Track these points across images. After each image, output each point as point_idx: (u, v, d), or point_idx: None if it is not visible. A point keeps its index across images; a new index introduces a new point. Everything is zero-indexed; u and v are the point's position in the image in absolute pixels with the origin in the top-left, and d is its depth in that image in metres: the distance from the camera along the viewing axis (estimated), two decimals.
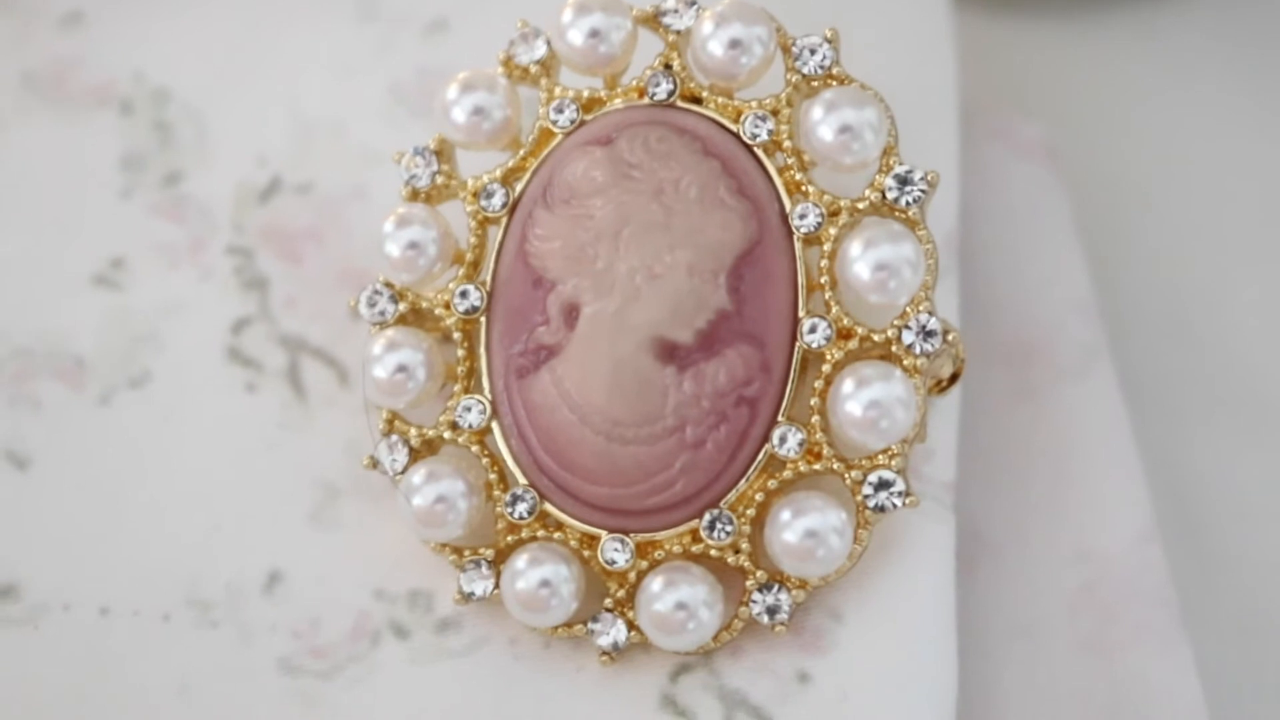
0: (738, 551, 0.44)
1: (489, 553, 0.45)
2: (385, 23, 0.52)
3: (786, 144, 0.45)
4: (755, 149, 0.45)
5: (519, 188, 0.46)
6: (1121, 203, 0.55)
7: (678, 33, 0.46)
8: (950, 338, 0.44)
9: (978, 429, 0.49)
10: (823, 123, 0.45)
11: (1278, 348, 0.53)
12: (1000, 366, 0.50)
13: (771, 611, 0.44)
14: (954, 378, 0.46)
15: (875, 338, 0.44)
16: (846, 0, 0.51)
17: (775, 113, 0.45)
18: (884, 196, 0.45)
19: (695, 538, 0.44)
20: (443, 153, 0.47)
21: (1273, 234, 0.55)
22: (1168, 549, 0.48)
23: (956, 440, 0.47)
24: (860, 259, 0.44)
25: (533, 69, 0.46)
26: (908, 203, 0.45)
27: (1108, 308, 0.52)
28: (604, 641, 0.44)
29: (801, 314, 0.44)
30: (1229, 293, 0.54)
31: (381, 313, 0.46)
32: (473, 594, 0.45)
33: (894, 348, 0.44)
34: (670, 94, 0.46)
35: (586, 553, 0.44)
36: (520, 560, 0.44)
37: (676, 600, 0.43)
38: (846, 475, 0.44)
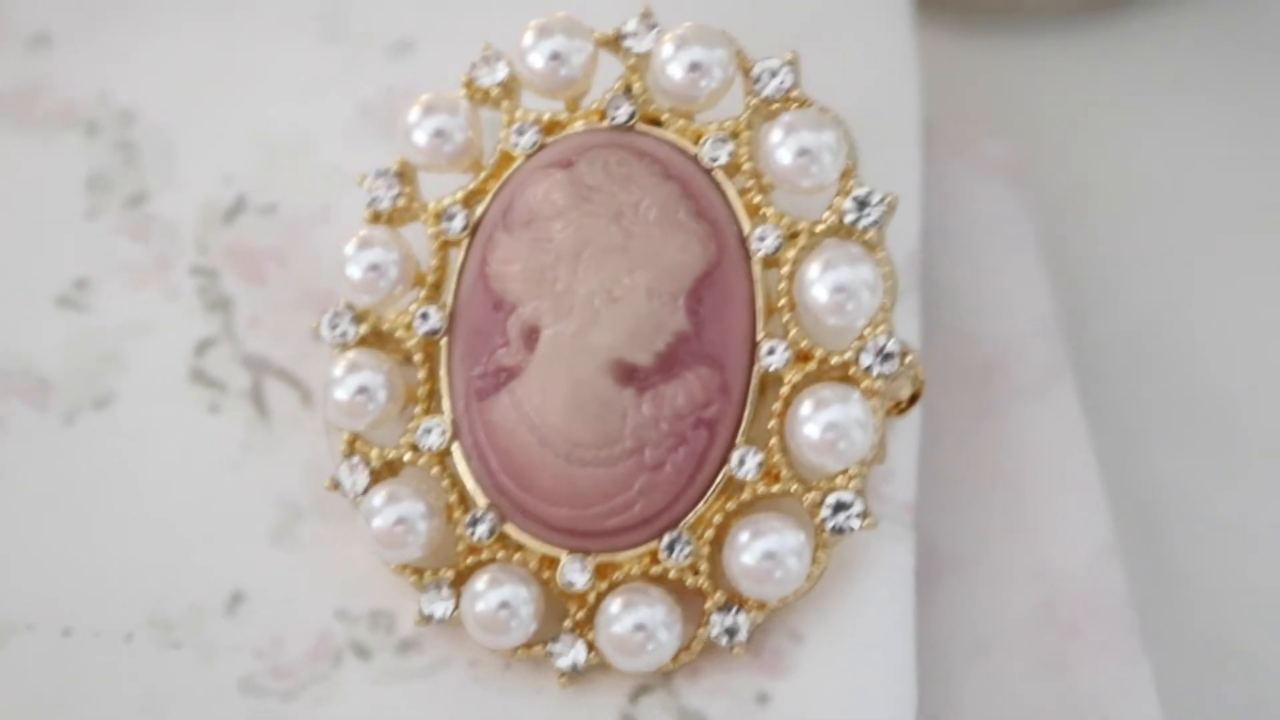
0: (696, 573, 0.44)
1: (449, 574, 0.45)
2: (351, 43, 0.52)
3: (746, 166, 0.45)
4: (715, 172, 0.45)
5: (480, 210, 0.46)
6: (1085, 220, 0.55)
7: (638, 55, 0.46)
8: (909, 359, 0.45)
9: (938, 448, 0.49)
10: (781, 146, 0.45)
11: (1241, 366, 0.54)
12: (961, 385, 0.50)
13: (730, 633, 0.44)
14: (913, 399, 0.46)
15: (834, 360, 0.44)
16: (809, 20, 0.51)
17: (735, 135, 0.45)
18: (843, 219, 0.45)
19: (654, 559, 0.44)
20: (404, 175, 0.47)
21: (1237, 251, 0.55)
22: (1128, 567, 0.48)
23: (916, 460, 0.47)
24: (818, 281, 0.44)
25: (494, 91, 0.47)
26: (866, 225, 0.45)
27: (1071, 326, 0.53)
28: (563, 663, 0.44)
29: (760, 336, 0.44)
30: (1193, 310, 0.54)
31: (343, 334, 0.46)
32: (433, 615, 0.45)
33: (852, 370, 0.44)
34: (631, 117, 0.46)
35: (546, 574, 0.45)
36: (480, 582, 0.44)
37: (635, 621, 0.44)
38: (805, 497, 0.44)
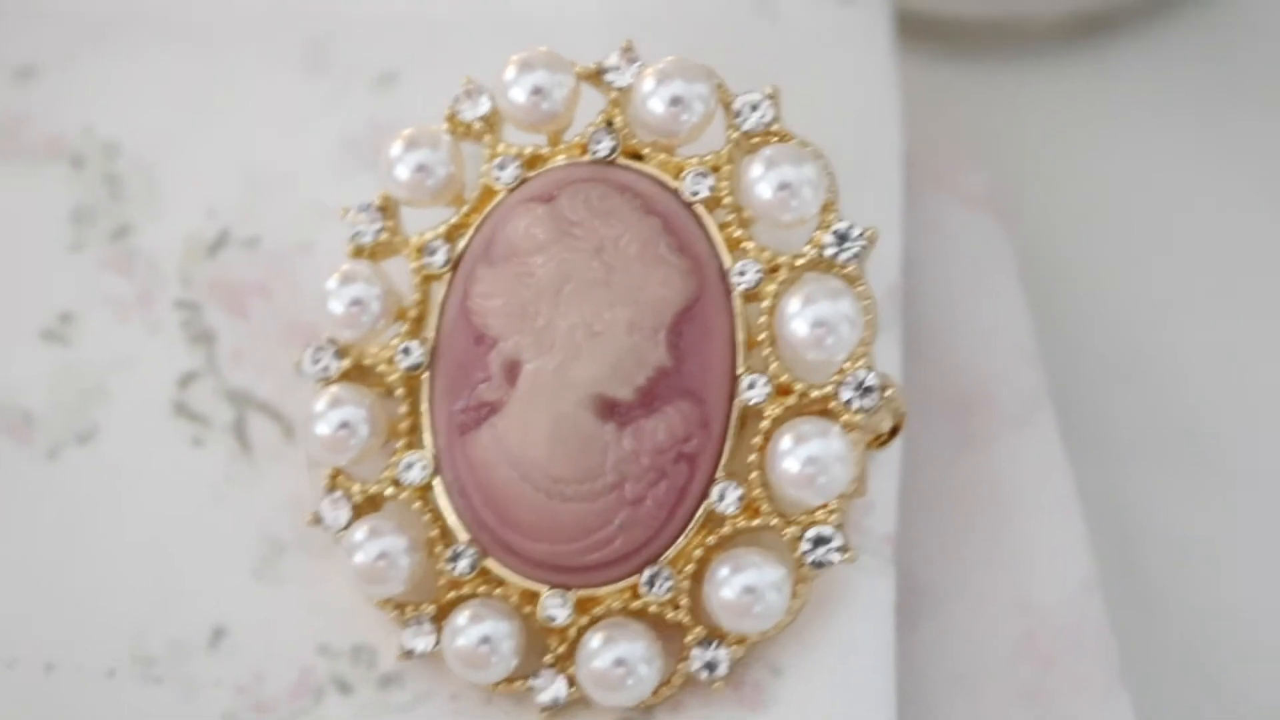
0: (677, 607, 0.44)
1: (430, 609, 0.45)
2: (335, 76, 0.52)
3: (727, 200, 0.45)
4: (696, 206, 0.45)
5: (462, 244, 0.46)
6: (1067, 248, 0.56)
7: (620, 89, 0.46)
8: (889, 393, 0.45)
9: (920, 480, 0.49)
10: (762, 180, 0.45)
11: (1222, 395, 0.54)
12: (943, 417, 0.50)
13: (710, 667, 0.44)
14: (894, 432, 0.46)
15: (814, 394, 0.44)
16: (791, 52, 0.51)
17: (716, 169, 0.46)
18: (823, 253, 0.45)
19: (635, 594, 0.44)
20: (387, 209, 0.47)
21: (1217, 279, 0.55)
22: (1110, 597, 0.48)
23: (897, 493, 0.47)
24: (799, 315, 0.44)
25: (476, 125, 0.47)
26: (847, 259, 0.45)
27: (1052, 355, 0.53)
28: (544, 698, 0.44)
29: (740, 370, 0.45)
30: (1174, 338, 0.54)
31: (325, 369, 0.46)
32: (414, 651, 0.45)
33: (832, 404, 0.44)
34: (612, 151, 0.46)
35: (527, 609, 0.45)
36: (461, 617, 0.44)
37: (615, 656, 0.44)
38: (785, 531, 0.44)
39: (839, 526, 0.44)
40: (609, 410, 0.44)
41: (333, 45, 0.52)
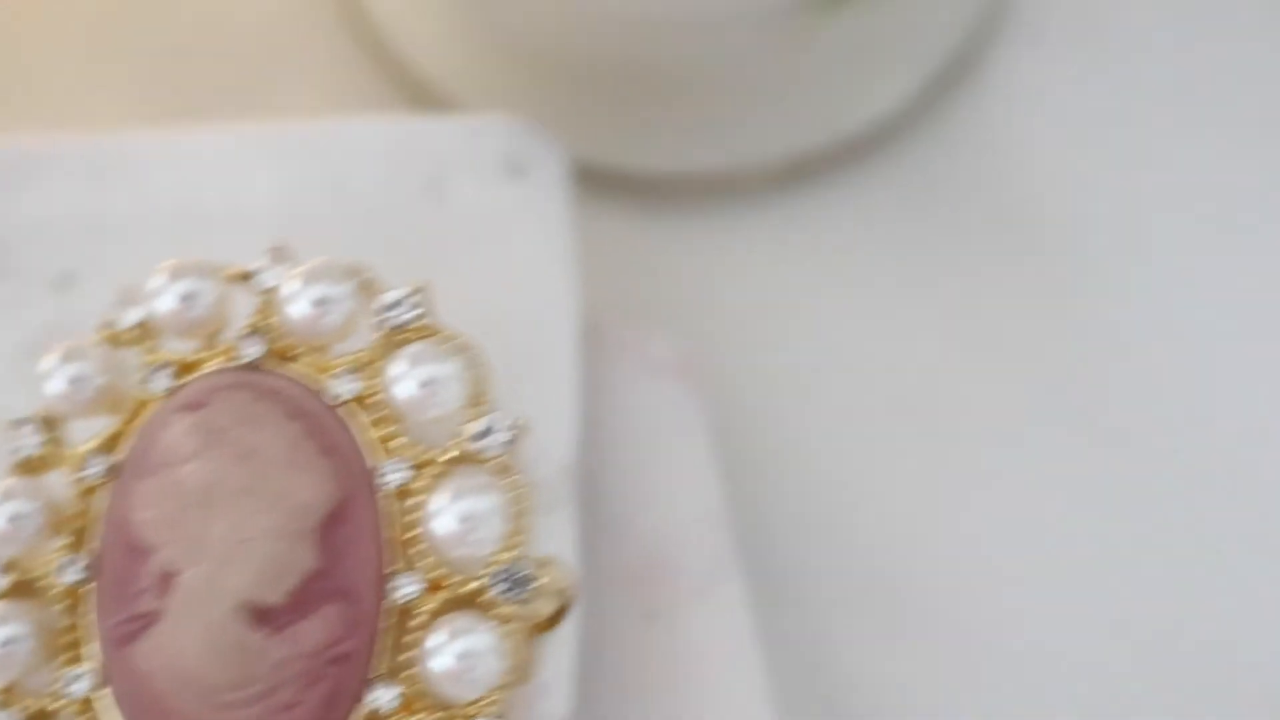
0: None
1: None
2: (14, 279, 0.52)
3: (374, 399, 0.46)
4: (343, 406, 0.46)
5: (119, 455, 0.47)
6: (760, 402, 0.56)
7: (268, 291, 0.47)
8: (549, 578, 0.45)
9: (604, 655, 0.49)
10: (406, 378, 0.45)
11: (919, 543, 0.54)
12: (627, 589, 0.50)
13: None
14: (559, 613, 0.46)
15: (466, 588, 0.45)
16: (461, 231, 0.52)
17: (363, 368, 0.46)
18: (471, 447, 0.45)
19: None
20: (46, 421, 0.47)
21: (915, 432, 0.56)
22: None
23: (575, 672, 0.48)
24: (444, 512, 0.45)
25: (131, 333, 0.47)
26: (496, 452, 0.45)
27: (750, 510, 0.53)
28: None
29: (392, 569, 0.45)
30: (872, 489, 0.55)
31: None
32: None
33: (484, 597, 0.45)
34: (261, 354, 0.46)
35: None
36: None
37: None
38: None
39: (500, 717, 0.44)
40: (261, 617, 0.44)
41: (10, 246, 0.53)
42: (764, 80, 0.60)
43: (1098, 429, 0.56)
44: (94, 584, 0.46)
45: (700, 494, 0.51)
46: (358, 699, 0.45)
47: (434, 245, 0.51)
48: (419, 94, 0.61)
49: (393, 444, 0.46)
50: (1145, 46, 0.62)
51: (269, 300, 0.47)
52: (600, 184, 0.59)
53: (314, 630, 0.44)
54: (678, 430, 0.52)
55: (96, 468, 0.47)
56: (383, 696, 0.44)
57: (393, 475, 0.45)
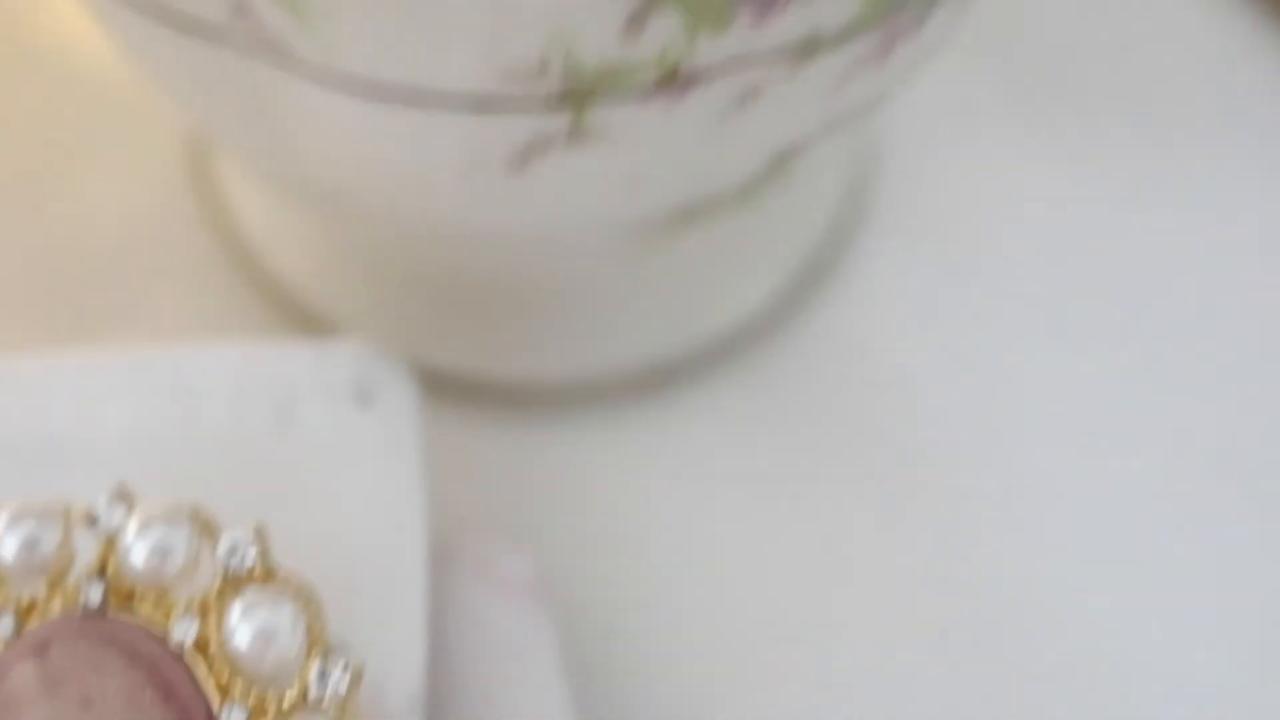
0: None
1: None
2: None
3: (213, 644, 0.46)
4: (184, 652, 0.46)
5: None
6: (617, 616, 0.57)
7: (110, 534, 0.47)
8: None
9: None
10: (240, 625, 0.46)
11: None
12: None
13: None
14: None
15: None
16: (311, 461, 0.52)
17: (204, 613, 0.46)
18: (308, 693, 0.46)
19: None
20: None
21: (771, 638, 0.56)
22: None
23: None
24: None
25: None
26: (332, 697, 0.46)
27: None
28: None
29: None
30: (726, 701, 0.56)
31: None
32: None
33: None
34: (103, 598, 0.47)
35: None
36: None
37: None
38: None
39: None
40: None
41: None
42: (622, 289, 0.61)
43: (950, 642, 0.56)
44: None
45: (550, 715, 0.52)
46: None
47: (282, 474, 0.52)
48: (286, 305, 0.62)
49: (235, 689, 0.46)
50: (1010, 249, 0.63)
51: (111, 542, 0.47)
52: (460, 393, 0.60)
53: None
54: (529, 649, 0.53)
55: None
56: None
57: None
